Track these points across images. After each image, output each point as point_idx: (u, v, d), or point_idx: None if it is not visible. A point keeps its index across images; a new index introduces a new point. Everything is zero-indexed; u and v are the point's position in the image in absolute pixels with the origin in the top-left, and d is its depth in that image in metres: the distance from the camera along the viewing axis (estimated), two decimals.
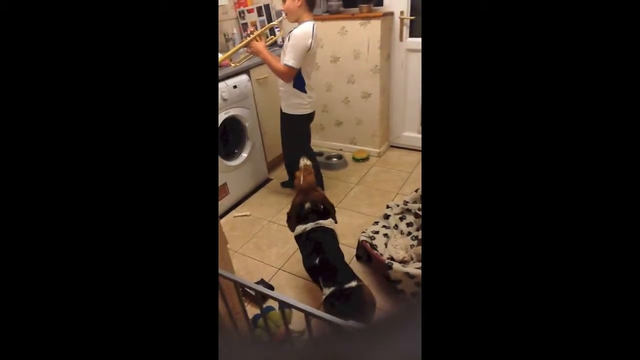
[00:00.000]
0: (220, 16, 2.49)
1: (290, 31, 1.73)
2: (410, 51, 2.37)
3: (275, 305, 1.32)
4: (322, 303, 1.16)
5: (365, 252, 1.60)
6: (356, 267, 1.63)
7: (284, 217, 2.07)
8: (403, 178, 2.31)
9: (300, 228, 1.37)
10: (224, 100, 1.93)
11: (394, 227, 1.74)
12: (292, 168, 2.15)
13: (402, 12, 2.26)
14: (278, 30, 2.19)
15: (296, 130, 1.95)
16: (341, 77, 2.48)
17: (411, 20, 2.28)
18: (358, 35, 2.28)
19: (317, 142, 2.76)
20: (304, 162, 1.51)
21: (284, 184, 2.32)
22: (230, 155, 2.16)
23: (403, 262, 1.51)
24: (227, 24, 2.54)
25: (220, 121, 1.93)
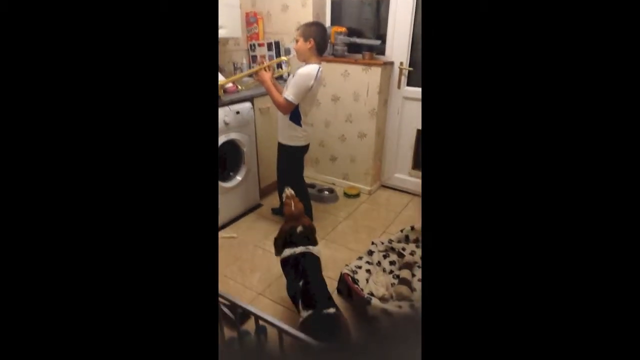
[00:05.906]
0: (232, 47, 2.64)
1: (297, 68, 1.85)
2: (406, 99, 2.51)
3: (252, 328, 1.31)
4: (299, 325, 1.17)
5: (346, 286, 1.62)
6: (336, 301, 1.63)
7: (270, 243, 2.09)
8: (391, 218, 2.37)
9: (288, 251, 1.39)
10: (226, 124, 2.01)
11: (376, 264, 1.77)
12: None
13: (401, 63, 2.43)
14: (285, 66, 2.32)
15: (290, 160, 2.02)
16: (340, 116, 2.60)
17: (409, 71, 2.44)
18: (359, 79, 2.42)
19: (311, 175, 2.83)
20: (288, 191, 1.56)
21: (274, 211, 2.36)
22: (225, 177, 2.21)
23: (382, 299, 1.53)
24: (237, 54, 2.69)
25: (219, 144, 2.00)
